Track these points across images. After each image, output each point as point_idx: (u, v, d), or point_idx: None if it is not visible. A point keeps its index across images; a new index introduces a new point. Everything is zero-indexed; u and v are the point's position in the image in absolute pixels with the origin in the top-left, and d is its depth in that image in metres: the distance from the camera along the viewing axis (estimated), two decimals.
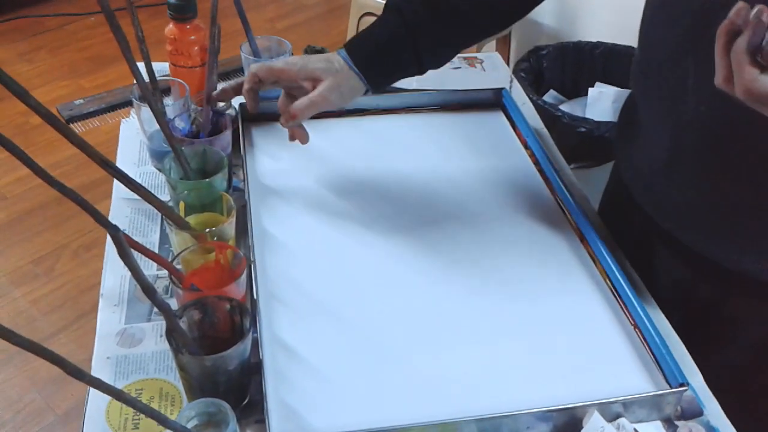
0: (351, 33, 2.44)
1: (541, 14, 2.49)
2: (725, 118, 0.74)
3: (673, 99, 0.79)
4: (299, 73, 0.88)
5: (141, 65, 0.87)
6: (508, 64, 2.45)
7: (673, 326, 0.83)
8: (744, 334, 0.89)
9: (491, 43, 2.44)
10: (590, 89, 1.98)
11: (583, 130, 1.78)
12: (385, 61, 0.90)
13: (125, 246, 0.49)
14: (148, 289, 0.57)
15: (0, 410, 1.68)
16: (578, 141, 1.79)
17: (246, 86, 0.91)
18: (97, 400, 0.74)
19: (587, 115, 1.91)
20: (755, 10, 0.55)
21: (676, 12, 0.77)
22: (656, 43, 0.82)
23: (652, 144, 0.86)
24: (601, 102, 1.90)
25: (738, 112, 0.63)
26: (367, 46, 0.90)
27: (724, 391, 0.78)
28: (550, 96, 2.06)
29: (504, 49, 2.47)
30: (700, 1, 0.72)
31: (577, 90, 2.09)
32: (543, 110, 1.78)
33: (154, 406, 0.73)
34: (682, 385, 0.73)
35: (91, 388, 0.74)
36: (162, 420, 0.58)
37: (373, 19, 2.42)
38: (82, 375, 0.50)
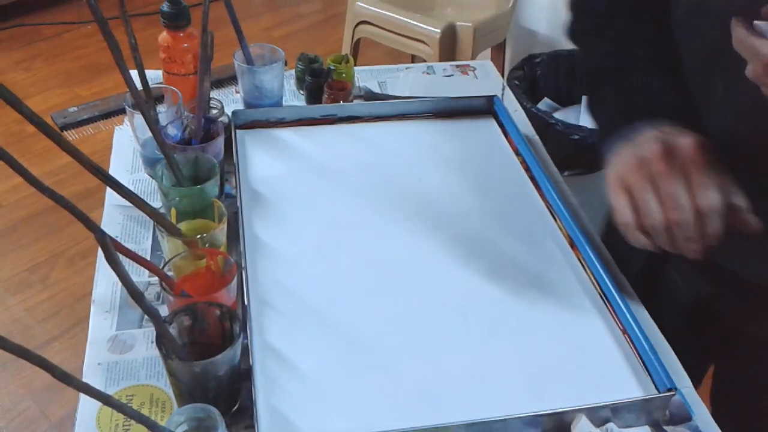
0: (347, 42, 2.45)
1: (535, 23, 2.50)
2: (753, 130, 0.73)
3: (698, 111, 0.77)
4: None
5: (134, 73, 0.88)
6: (503, 72, 2.46)
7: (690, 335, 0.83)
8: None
9: (486, 52, 2.45)
10: (584, 97, 1.99)
11: (576, 137, 1.79)
12: None
13: (111, 250, 0.50)
14: (135, 295, 0.58)
15: None
16: (572, 148, 1.80)
17: None
18: (88, 406, 0.74)
19: (581, 123, 1.92)
20: None
21: (703, 23, 0.74)
22: (682, 55, 0.80)
23: None
24: None
25: (765, 124, 0.62)
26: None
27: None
28: (544, 104, 2.07)
29: (499, 57, 2.49)
30: (729, 12, 0.67)
31: (571, 98, 2.10)
32: (537, 118, 1.78)
33: (145, 412, 0.73)
34: (670, 390, 0.74)
35: (82, 396, 0.74)
36: (151, 425, 0.59)
37: (369, 27, 2.40)
38: (70, 380, 0.50)
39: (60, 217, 2.16)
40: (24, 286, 2.01)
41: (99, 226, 0.52)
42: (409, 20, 2.26)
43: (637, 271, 0.93)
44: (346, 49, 2.46)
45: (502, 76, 2.30)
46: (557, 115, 1.93)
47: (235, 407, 0.73)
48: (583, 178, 1.85)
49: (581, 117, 1.98)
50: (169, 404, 0.75)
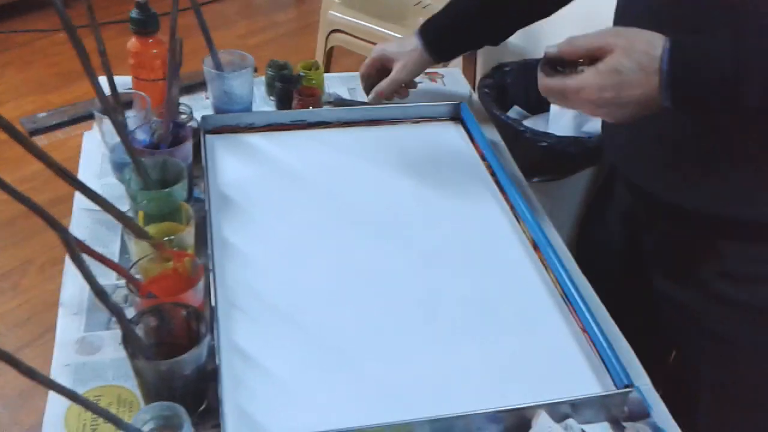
0: (320, 50, 2.47)
1: None
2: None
3: None
4: (382, 59, 1.16)
5: (103, 79, 0.89)
6: (474, 80, 2.49)
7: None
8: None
9: (457, 60, 2.47)
10: (552, 105, 2.02)
11: (545, 144, 1.82)
12: (451, 38, 1.14)
13: (74, 248, 0.51)
14: (99, 293, 0.59)
15: None
16: (541, 155, 1.83)
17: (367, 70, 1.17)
18: (55, 406, 0.74)
19: (550, 130, 1.94)
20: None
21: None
22: None
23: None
24: (563, 117, 1.93)
25: None
26: (437, 27, 1.13)
27: None
28: (514, 111, 2.10)
29: (470, 66, 2.51)
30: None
31: (540, 105, 2.12)
32: (506, 125, 1.81)
33: (113, 411, 0.74)
34: (627, 386, 0.76)
35: (50, 396, 0.75)
36: (117, 422, 0.60)
37: (342, 36, 2.42)
38: (35, 375, 0.51)
39: (31, 224, 2.13)
40: None
41: (63, 225, 0.53)
42: (381, 29, 2.28)
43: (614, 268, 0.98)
44: (319, 57, 2.47)
45: (473, 85, 2.33)
46: (527, 122, 1.95)
47: (203, 407, 0.74)
48: (552, 185, 1.88)
49: (550, 124, 2.00)
50: (137, 404, 0.75)
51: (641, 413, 0.78)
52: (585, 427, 0.75)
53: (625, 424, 0.77)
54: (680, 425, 0.77)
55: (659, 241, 0.96)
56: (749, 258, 0.86)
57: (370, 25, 2.30)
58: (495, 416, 0.73)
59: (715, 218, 0.86)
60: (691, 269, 0.91)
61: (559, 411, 0.74)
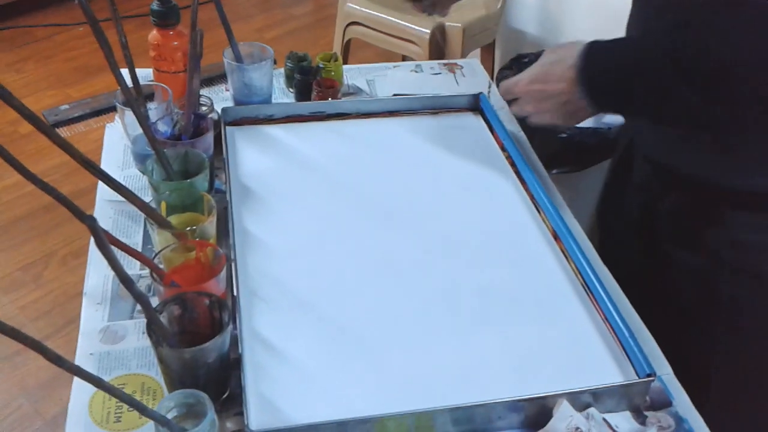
0: (338, 42, 2.47)
1: (524, 23, 2.52)
2: None
3: None
4: None
5: (125, 71, 0.90)
6: (492, 71, 2.48)
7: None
8: None
9: (476, 52, 2.47)
10: None
11: (564, 136, 1.81)
12: None
13: (102, 236, 0.51)
14: (125, 280, 0.59)
15: None
16: (559, 147, 1.82)
17: None
18: (80, 394, 0.75)
19: None
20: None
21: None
22: None
23: None
24: None
25: None
26: None
27: None
28: None
29: (488, 58, 2.51)
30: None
31: None
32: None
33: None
34: (649, 375, 0.76)
35: (75, 385, 0.76)
36: (142, 409, 0.60)
37: (359, 28, 2.43)
38: (62, 362, 0.52)
39: (53, 216, 2.18)
40: (17, 285, 2.01)
41: (90, 214, 0.54)
42: (398, 21, 2.28)
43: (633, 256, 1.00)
44: (336, 50, 2.47)
45: (492, 76, 2.32)
46: None
47: (225, 395, 0.75)
48: (571, 176, 1.87)
49: None
50: (160, 392, 0.76)
51: (663, 402, 0.78)
52: (606, 416, 0.75)
53: (646, 413, 0.77)
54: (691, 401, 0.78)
55: (672, 211, 0.98)
56: (757, 227, 0.88)
57: (388, 17, 2.30)
58: (516, 405, 0.73)
59: (725, 189, 0.88)
60: (703, 237, 0.93)
61: (580, 400, 0.74)
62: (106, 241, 0.52)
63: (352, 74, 1.29)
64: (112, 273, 0.87)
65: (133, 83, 0.92)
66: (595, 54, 0.85)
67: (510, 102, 0.99)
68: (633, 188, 1.06)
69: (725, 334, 0.96)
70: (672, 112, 0.83)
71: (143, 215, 0.80)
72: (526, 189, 1.02)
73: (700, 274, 0.95)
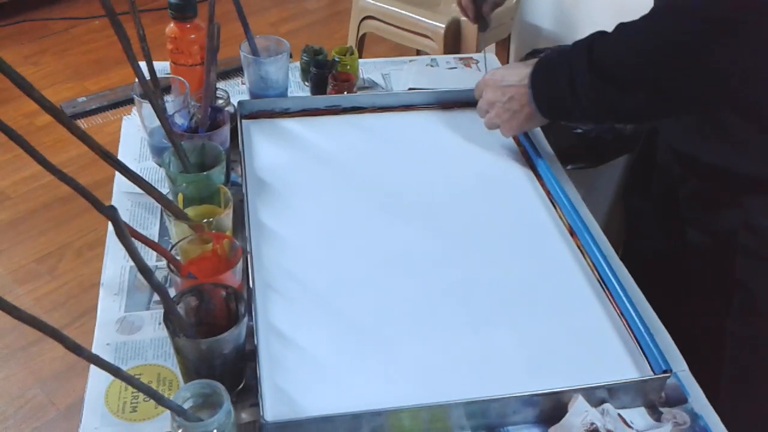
0: (352, 36, 2.47)
1: (539, 17, 2.50)
2: None
3: None
4: None
5: (143, 64, 0.90)
6: None
7: None
8: None
9: (491, 47, 2.46)
10: None
11: (579, 131, 1.80)
12: None
13: (122, 226, 0.52)
14: (144, 270, 0.60)
15: (2, 406, 1.70)
16: (575, 142, 1.81)
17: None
18: (96, 384, 0.76)
19: None
20: None
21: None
22: None
23: None
24: None
25: None
26: None
27: None
28: None
29: (504, 52, 2.50)
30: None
31: None
32: None
33: None
34: (665, 371, 0.75)
35: (91, 374, 0.77)
36: (159, 398, 0.61)
37: (374, 22, 2.42)
38: (80, 350, 0.52)
39: (68, 208, 2.19)
40: (32, 276, 2.03)
41: (109, 204, 0.54)
42: (413, 15, 2.27)
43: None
44: (351, 44, 2.47)
45: None
46: None
47: (241, 386, 0.75)
48: (586, 173, 1.86)
49: None
50: (176, 383, 0.77)
51: (679, 399, 0.78)
52: (622, 411, 0.75)
53: (662, 409, 0.77)
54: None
55: (691, 195, 1.00)
56: None
57: (403, 12, 2.29)
58: (531, 400, 0.73)
59: (741, 175, 0.91)
60: (719, 220, 0.96)
61: (595, 395, 0.74)
62: (126, 231, 0.52)
63: (368, 68, 1.29)
64: (129, 264, 0.88)
65: (151, 76, 0.93)
66: (547, 64, 0.96)
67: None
68: (657, 171, 1.09)
69: (738, 321, 0.97)
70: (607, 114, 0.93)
71: (160, 207, 0.81)
72: (542, 184, 1.02)
73: (716, 256, 0.98)
